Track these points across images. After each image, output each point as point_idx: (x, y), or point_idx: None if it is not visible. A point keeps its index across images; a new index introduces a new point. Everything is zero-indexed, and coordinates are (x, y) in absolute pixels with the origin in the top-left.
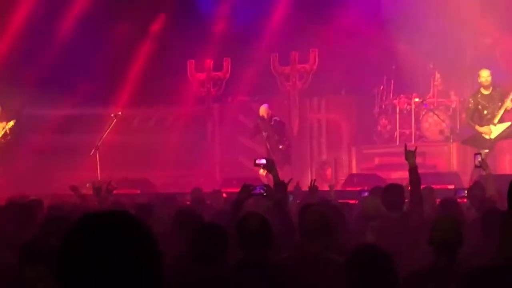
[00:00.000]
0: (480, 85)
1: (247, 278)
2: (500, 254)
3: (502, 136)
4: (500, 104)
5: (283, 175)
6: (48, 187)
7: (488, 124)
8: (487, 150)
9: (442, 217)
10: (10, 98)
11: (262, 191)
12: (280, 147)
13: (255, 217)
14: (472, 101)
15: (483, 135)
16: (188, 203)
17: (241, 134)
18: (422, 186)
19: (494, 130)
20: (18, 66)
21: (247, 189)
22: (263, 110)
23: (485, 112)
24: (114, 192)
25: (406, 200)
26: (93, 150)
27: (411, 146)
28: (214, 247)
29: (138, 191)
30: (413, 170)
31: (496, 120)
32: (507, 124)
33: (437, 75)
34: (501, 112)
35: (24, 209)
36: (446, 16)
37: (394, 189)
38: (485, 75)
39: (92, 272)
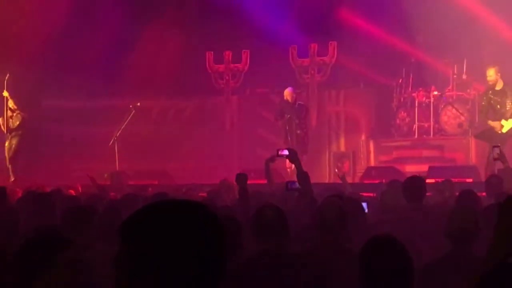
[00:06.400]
0: (488, 83)
1: (262, 270)
2: (492, 250)
3: None
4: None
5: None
6: (66, 178)
7: (501, 119)
8: (499, 145)
9: (459, 208)
10: (28, 88)
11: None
12: (298, 132)
13: (271, 208)
14: (484, 99)
15: (495, 129)
16: (204, 194)
17: (260, 126)
18: (441, 179)
19: (506, 125)
20: (37, 57)
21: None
22: (287, 93)
23: (499, 107)
24: (133, 182)
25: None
26: (112, 141)
27: (429, 140)
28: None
29: (156, 182)
30: None
31: (508, 115)
32: None
33: (456, 68)
34: None
35: (42, 199)
36: (463, 12)
37: (415, 180)
38: (489, 73)
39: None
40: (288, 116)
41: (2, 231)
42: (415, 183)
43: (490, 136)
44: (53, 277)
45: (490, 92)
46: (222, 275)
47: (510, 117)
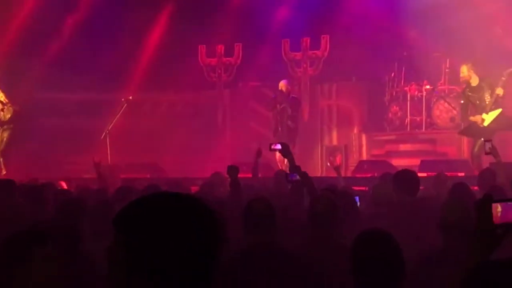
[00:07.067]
0: (461, 79)
1: (252, 263)
2: (472, 249)
3: (498, 127)
4: (490, 92)
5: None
6: (58, 170)
7: (481, 113)
8: (482, 139)
9: (452, 200)
10: (19, 82)
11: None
12: (289, 123)
13: (261, 201)
14: (463, 97)
15: (477, 123)
16: (196, 187)
17: (252, 120)
18: (434, 173)
19: (487, 118)
20: (28, 50)
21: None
22: (282, 84)
23: (478, 102)
24: (124, 176)
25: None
26: (104, 134)
27: (421, 133)
28: None
29: (148, 176)
30: None
31: (487, 108)
32: (498, 111)
33: (448, 62)
34: (492, 100)
35: (34, 192)
36: (457, 7)
37: (408, 174)
38: (462, 70)
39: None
40: (282, 106)
41: (11, 226)
42: (408, 177)
43: (473, 131)
44: (29, 272)
45: (468, 89)
46: (216, 269)
47: (490, 110)
